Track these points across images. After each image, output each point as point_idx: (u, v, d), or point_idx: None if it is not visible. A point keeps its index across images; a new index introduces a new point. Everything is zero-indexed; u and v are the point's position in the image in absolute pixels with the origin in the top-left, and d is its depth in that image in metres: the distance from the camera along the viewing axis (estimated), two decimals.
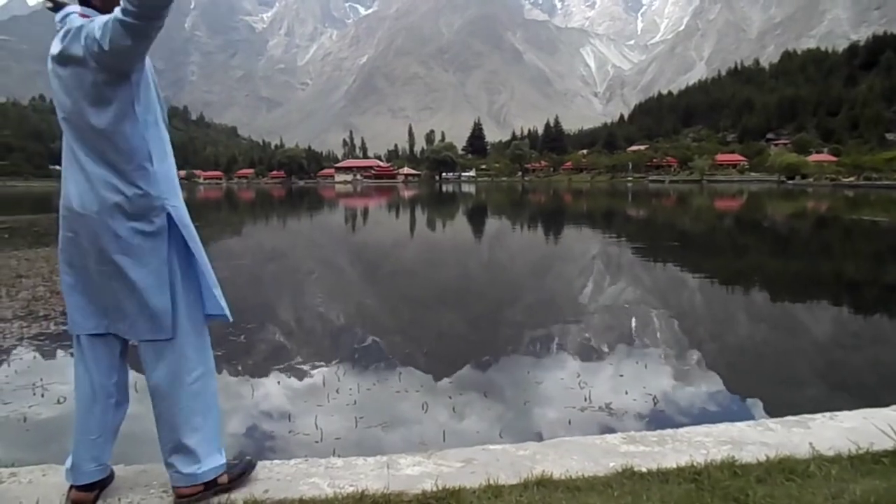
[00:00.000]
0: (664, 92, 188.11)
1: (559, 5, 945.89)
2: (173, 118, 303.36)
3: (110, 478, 2.15)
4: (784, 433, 2.46)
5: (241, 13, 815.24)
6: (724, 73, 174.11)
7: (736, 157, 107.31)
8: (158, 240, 1.95)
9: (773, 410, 3.65)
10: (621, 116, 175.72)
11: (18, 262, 9.76)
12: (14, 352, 4.94)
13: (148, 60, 1.89)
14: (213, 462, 2.05)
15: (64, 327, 5.68)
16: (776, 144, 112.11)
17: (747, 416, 3.59)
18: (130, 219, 1.90)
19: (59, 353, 4.99)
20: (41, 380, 4.24)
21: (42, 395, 3.97)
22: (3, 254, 10.96)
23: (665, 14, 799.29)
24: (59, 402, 3.87)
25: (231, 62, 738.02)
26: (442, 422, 3.55)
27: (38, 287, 7.58)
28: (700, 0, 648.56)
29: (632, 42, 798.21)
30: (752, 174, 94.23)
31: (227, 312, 2.12)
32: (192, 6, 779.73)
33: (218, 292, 2.07)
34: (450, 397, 3.93)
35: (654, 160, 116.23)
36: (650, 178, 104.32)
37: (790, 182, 75.57)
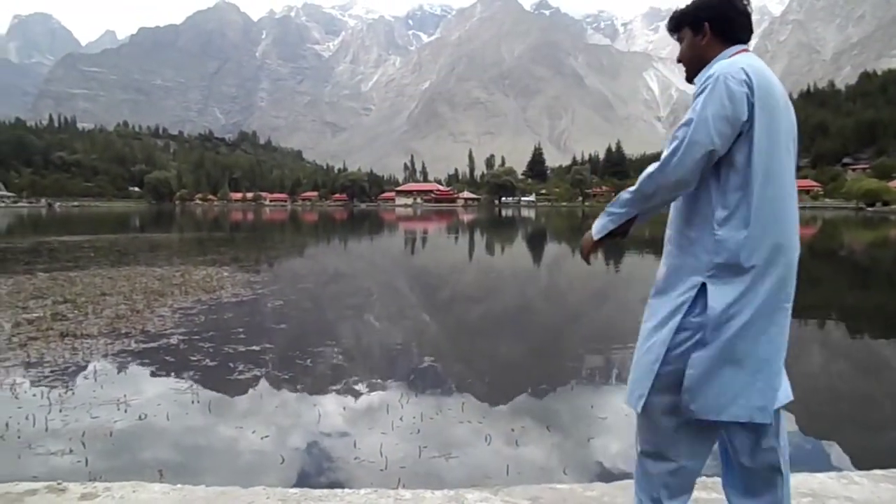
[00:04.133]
0: None
1: (622, 30, 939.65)
2: (243, 142, 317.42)
3: None
4: (871, 488, 2.33)
5: (310, 41, 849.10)
6: (795, 95, 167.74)
7: (809, 182, 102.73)
8: None
9: (856, 460, 3.46)
10: None
11: (102, 281, 10.37)
12: (100, 367, 5.24)
13: None
14: None
15: (145, 345, 6.00)
16: (853, 169, 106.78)
17: (827, 465, 3.41)
18: None
19: (140, 370, 5.26)
20: (124, 395, 4.48)
21: (125, 411, 4.20)
22: (89, 272, 11.68)
23: None
24: (140, 418, 4.08)
25: (298, 88, 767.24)
26: (505, 455, 3.54)
27: (120, 305, 8.03)
28: (770, 21, 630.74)
29: None
30: (827, 200, 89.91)
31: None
32: (263, 35, 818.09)
33: None
34: (512, 429, 3.92)
35: None
36: None
37: (870, 209, 71.59)
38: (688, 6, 1.89)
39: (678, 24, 1.91)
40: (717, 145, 1.65)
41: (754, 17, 1.90)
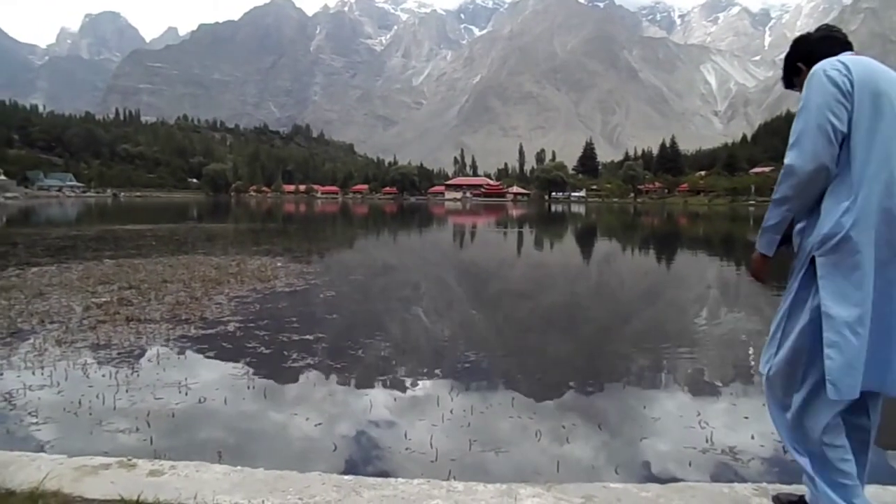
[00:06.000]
0: (794, 110, 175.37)
1: (678, 22, 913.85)
2: (296, 136, 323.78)
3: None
4: None
5: (363, 36, 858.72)
6: None
7: None
8: None
9: None
10: (744, 136, 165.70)
11: (163, 268, 10.81)
12: (162, 351, 5.47)
13: None
14: None
15: (203, 331, 6.22)
16: None
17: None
18: None
19: (199, 355, 5.46)
20: (185, 379, 4.67)
21: (186, 394, 4.37)
22: (151, 260, 12.19)
23: (797, 27, 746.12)
24: (200, 401, 4.24)
25: (351, 82, 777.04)
26: (555, 452, 3.52)
27: (180, 292, 8.35)
28: (840, 10, 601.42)
29: (758, 58, 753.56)
30: None
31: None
32: (317, 31, 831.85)
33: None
34: (563, 426, 3.89)
35: None
36: None
37: None
38: (784, 63, 2.26)
39: (789, 79, 2.25)
40: (836, 124, 1.84)
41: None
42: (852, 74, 1.87)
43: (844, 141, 1.87)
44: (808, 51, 2.13)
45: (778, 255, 2.10)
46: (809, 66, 2.05)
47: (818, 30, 2.19)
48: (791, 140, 1.92)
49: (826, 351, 1.82)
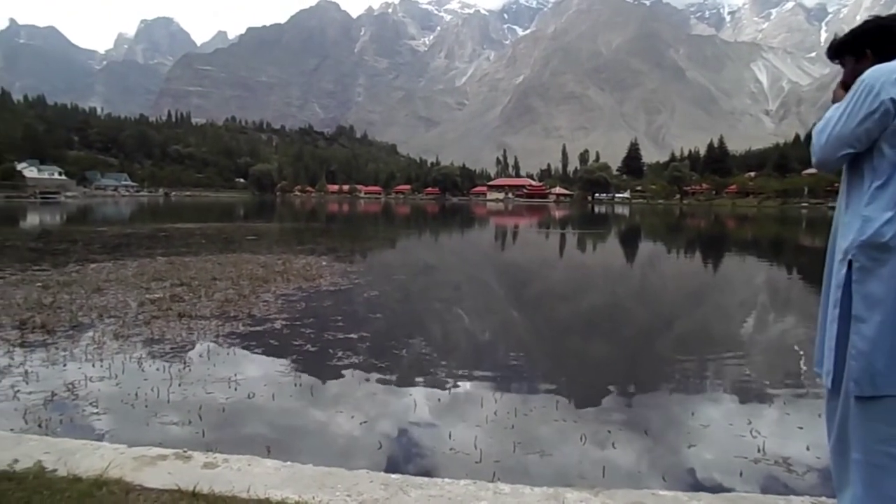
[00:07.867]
0: None
1: (728, 19, 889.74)
2: (340, 136, 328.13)
3: None
4: None
5: (406, 37, 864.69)
6: None
7: None
8: None
9: None
10: (796, 136, 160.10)
11: (213, 266, 11.11)
12: (212, 347, 5.63)
13: None
14: None
15: (251, 328, 6.37)
16: None
17: None
18: None
19: (247, 351, 5.60)
20: (235, 375, 4.80)
21: (235, 389, 4.50)
22: (200, 258, 12.55)
23: (856, 22, 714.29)
24: (249, 396, 4.35)
25: (394, 83, 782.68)
26: (600, 457, 3.48)
27: (228, 290, 8.57)
28: None
29: (812, 55, 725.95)
30: None
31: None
32: (361, 32, 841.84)
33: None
34: (608, 431, 3.85)
35: (836, 184, 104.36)
36: (830, 204, 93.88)
37: None
38: (846, 36, 2.05)
39: (838, 52, 2.06)
40: (855, 145, 1.81)
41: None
42: None
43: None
44: (883, 40, 1.94)
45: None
46: (875, 55, 1.92)
47: None
48: (821, 122, 1.89)
49: (851, 352, 1.82)
